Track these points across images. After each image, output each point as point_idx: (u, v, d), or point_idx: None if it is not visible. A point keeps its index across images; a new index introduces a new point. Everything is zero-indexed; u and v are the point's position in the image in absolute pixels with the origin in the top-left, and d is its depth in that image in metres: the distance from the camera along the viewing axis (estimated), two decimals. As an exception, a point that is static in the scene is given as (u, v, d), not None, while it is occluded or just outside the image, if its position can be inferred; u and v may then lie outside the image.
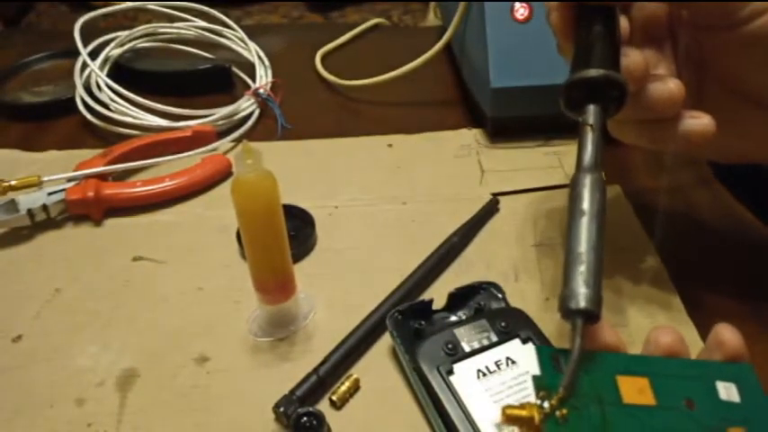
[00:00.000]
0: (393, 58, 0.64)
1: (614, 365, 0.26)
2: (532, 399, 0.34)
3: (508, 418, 0.25)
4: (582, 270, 0.27)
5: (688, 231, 0.49)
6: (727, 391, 0.26)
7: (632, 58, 0.33)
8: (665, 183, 0.54)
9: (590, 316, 0.26)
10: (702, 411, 0.25)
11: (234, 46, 0.70)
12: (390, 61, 0.63)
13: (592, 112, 0.32)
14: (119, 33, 0.68)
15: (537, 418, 0.24)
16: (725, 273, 0.45)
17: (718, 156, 0.40)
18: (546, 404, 0.24)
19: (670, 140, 0.35)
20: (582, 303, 0.26)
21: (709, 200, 0.52)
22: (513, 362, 0.36)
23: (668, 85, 0.33)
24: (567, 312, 0.26)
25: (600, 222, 0.28)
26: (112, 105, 0.60)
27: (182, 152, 0.55)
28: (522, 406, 0.25)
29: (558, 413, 0.24)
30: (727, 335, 0.27)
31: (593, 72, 0.32)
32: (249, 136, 0.60)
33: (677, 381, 0.26)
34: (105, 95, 0.60)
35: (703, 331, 0.40)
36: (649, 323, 0.41)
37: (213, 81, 0.67)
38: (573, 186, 0.30)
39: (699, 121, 0.34)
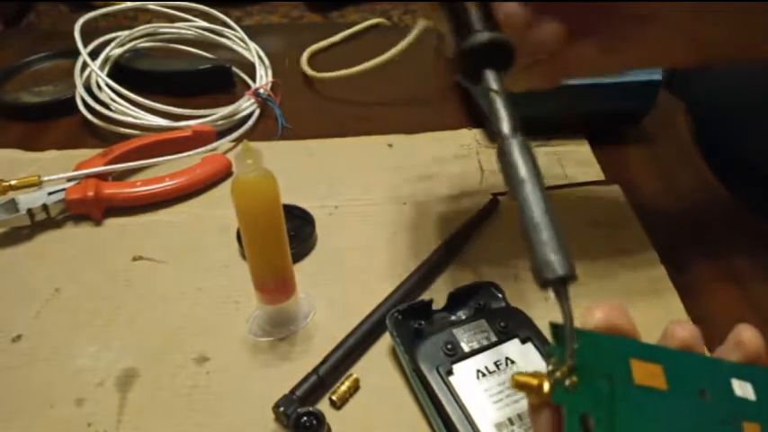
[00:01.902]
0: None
1: (629, 349, 0.26)
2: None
3: (517, 384, 0.25)
4: (545, 238, 0.26)
5: (688, 231, 0.49)
6: (743, 389, 0.26)
7: (509, 9, 0.33)
8: (666, 183, 0.54)
9: (567, 279, 0.26)
10: (716, 402, 0.25)
11: (234, 46, 0.70)
12: (389, 60, 0.63)
13: (491, 78, 0.32)
14: (119, 33, 0.68)
15: (546, 386, 0.24)
16: (725, 272, 0.45)
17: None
18: (557, 373, 0.24)
19: (557, 75, 0.36)
20: (559, 271, 0.26)
21: (710, 201, 0.52)
22: (513, 362, 0.36)
23: (545, 29, 0.34)
24: (546, 282, 0.26)
25: (542, 185, 0.28)
26: (113, 105, 0.60)
27: (182, 152, 0.55)
28: (532, 374, 0.25)
29: (567, 381, 0.24)
30: (748, 335, 0.27)
31: (479, 38, 0.31)
32: (249, 136, 0.60)
33: (691, 372, 0.26)
34: (105, 95, 0.60)
35: (702, 330, 0.40)
36: (648, 322, 0.41)
37: (213, 81, 0.67)
38: (502, 156, 0.29)
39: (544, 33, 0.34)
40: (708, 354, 0.28)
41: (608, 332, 0.26)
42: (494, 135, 0.58)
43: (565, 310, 0.25)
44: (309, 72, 0.68)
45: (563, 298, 0.26)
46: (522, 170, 0.28)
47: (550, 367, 0.25)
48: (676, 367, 0.26)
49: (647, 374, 0.25)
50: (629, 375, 0.25)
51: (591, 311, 0.26)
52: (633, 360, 0.25)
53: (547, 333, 0.37)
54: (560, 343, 0.25)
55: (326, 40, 0.76)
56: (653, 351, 0.26)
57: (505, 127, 0.30)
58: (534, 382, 0.25)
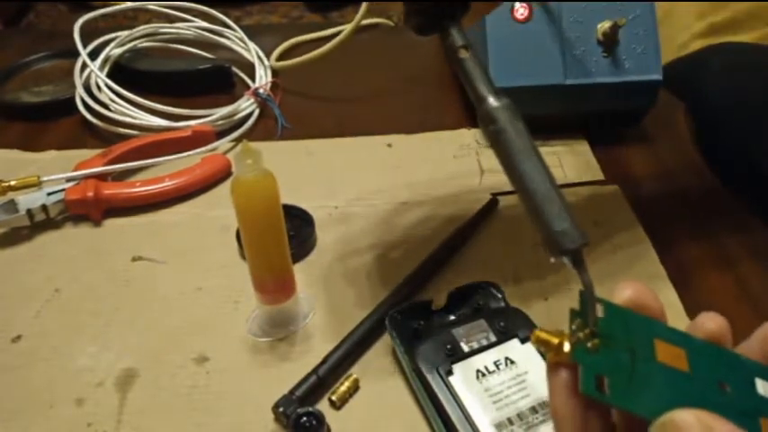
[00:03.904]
0: (392, 57, 0.64)
1: (654, 330, 0.26)
2: (532, 398, 0.34)
3: (538, 340, 0.25)
4: (555, 209, 0.26)
5: (687, 231, 0.49)
6: (766, 390, 0.25)
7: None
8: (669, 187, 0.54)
9: (583, 246, 0.26)
10: (735, 395, 0.25)
11: (234, 46, 0.70)
12: (389, 60, 0.63)
13: (456, 34, 0.29)
14: (119, 33, 0.68)
15: (567, 345, 0.24)
16: (724, 271, 0.45)
17: None
18: (580, 334, 0.24)
19: None
20: (577, 241, 0.25)
21: (710, 200, 0.52)
22: (513, 362, 0.36)
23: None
24: (565, 252, 0.26)
25: (538, 151, 0.27)
26: (112, 105, 0.60)
27: (181, 152, 0.55)
28: (554, 332, 0.25)
29: (589, 344, 0.24)
30: None
31: None
32: (249, 136, 0.60)
33: (715, 364, 0.25)
34: (105, 95, 0.60)
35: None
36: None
37: (213, 81, 0.67)
38: (489, 124, 0.27)
39: None
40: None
41: (636, 310, 0.26)
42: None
43: (584, 278, 0.25)
44: (274, 64, 0.69)
45: (581, 265, 0.25)
46: (516, 138, 0.26)
47: (573, 327, 0.25)
48: (700, 356, 0.25)
49: (669, 355, 0.25)
50: (651, 352, 0.25)
51: (620, 289, 0.26)
52: (657, 340, 0.25)
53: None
54: (587, 309, 0.25)
55: (295, 38, 0.75)
56: (678, 336, 0.26)
57: (485, 89, 0.27)
58: (555, 340, 0.25)
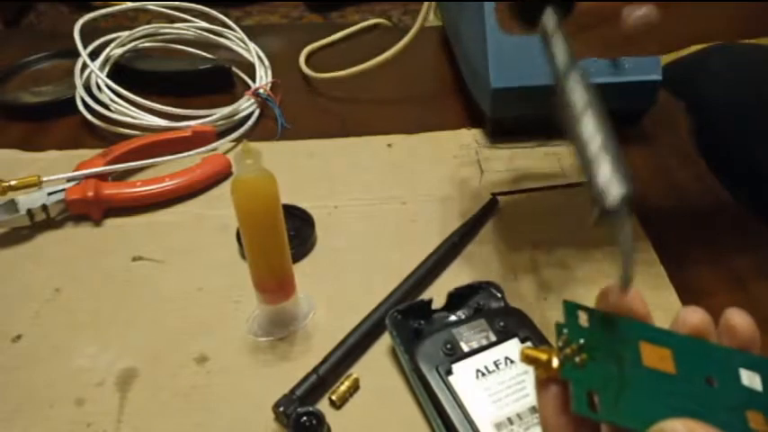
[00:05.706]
0: (392, 57, 0.64)
1: (639, 332, 0.26)
2: (532, 397, 0.34)
3: (526, 357, 0.25)
4: (608, 160, 0.29)
5: (686, 231, 0.49)
6: (751, 379, 0.25)
7: None
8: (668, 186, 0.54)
9: (628, 200, 0.27)
10: (722, 390, 0.25)
11: (234, 46, 0.70)
12: (389, 60, 0.63)
13: (551, 15, 0.33)
14: (119, 34, 0.68)
15: (555, 361, 0.24)
16: (724, 271, 0.45)
17: (669, 46, 0.41)
18: (567, 350, 0.24)
19: (617, 42, 0.36)
20: (623, 190, 0.28)
21: (709, 200, 0.52)
22: (512, 361, 0.36)
23: None
24: (610, 209, 0.27)
25: (598, 111, 0.29)
26: (112, 105, 0.60)
27: (182, 152, 0.55)
28: (542, 348, 0.25)
29: (577, 359, 0.24)
30: (738, 319, 0.27)
31: None
32: (249, 136, 0.60)
33: (700, 359, 0.26)
34: (105, 96, 0.60)
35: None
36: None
37: (213, 81, 0.67)
38: (562, 92, 0.30)
39: (640, 12, 0.34)
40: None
41: (621, 314, 0.26)
42: (494, 135, 0.58)
43: (626, 234, 0.27)
44: (308, 72, 0.68)
45: (625, 220, 0.27)
46: (583, 99, 0.30)
47: (560, 343, 0.25)
48: (685, 353, 0.25)
49: (656, 357, 0.25)
50: (638, 357, 0.25)
51: (605, 293, 0.26)
52: (643, 342, 0.25)
53: (546, 333, 0.38)
54: (571, 321, 0.25)
55: (324, 39, 0.76)
56: (663, 335, 0.26)
57: (565, 61, 0.31)
58: (543, 356, 0.25)
